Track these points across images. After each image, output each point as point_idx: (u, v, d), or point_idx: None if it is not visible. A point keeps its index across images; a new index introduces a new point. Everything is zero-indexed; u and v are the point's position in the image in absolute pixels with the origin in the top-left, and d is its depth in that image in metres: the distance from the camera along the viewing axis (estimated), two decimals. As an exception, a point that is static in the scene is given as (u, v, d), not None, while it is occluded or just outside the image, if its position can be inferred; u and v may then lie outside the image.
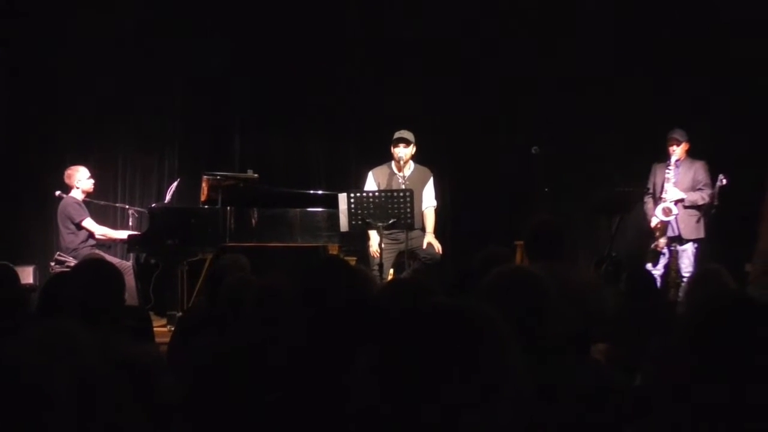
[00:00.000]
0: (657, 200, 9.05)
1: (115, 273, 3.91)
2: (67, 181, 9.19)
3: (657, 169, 9.22)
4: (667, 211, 8.89)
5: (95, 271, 3.86)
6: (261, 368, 2.96)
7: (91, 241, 9.07)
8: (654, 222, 9.01)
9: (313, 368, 2.90)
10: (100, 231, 9.15)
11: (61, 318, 2.76)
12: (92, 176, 9.26)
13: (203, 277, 8.68)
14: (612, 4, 10.49)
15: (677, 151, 9.04)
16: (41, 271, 9.26)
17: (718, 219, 9.01)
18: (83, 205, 9.13)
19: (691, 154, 9.14)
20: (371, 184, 8.48)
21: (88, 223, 9.06)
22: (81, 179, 9.17)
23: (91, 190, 9.28)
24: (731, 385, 1.77)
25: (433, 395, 1.46)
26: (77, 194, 9.15)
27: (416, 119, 9.23)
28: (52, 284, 4.51)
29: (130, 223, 9.57)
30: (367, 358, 1.53)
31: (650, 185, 9.25)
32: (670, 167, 9.01)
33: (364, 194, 7.98)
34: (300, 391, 2.77)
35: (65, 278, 4.34)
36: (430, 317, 1.53)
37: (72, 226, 8.99)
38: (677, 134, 9.08)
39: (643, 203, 9.26)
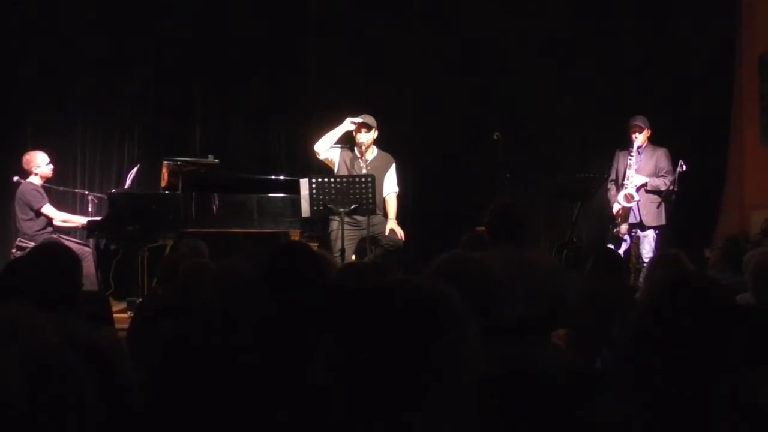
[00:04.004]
0: (620, 187, 9.07)
1: (72, 257, 3.86)
2: (25, 166, 9.05)
3: (620, 156, 9.24)
4: (628, 198, 8.92)
5: (51, 255, 3.82)
6: (219, 352, 2.94)
7: (50, 228, 8.96)
8: (616, 208, 9.04)
9: (274, 350, 2.88)
10: (60, 217, 9.05)
11: (16, 302, 2.73)
12: (51, 161, 9.14)
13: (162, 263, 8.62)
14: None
15: (639, 138, 9.06)
16: (1, 257, 9.13)
17: (678, 205, 9.08)
18: (42, 191, 9.00)
19: (653, 140, 9.18)
20: (335, 154, 8.45)
21: (48, 209, 8.94)
22: (40, 164, 9.03)
23: (51, 175, 9.16)
24: (688, 360, 1.77)
25: (392, 370, 1.45)
26: (36, 180, 9.02)
27: (378, 105, 9.17)
28: (9, 269, 4.46)
29: (90, 209, 9.44)
30: (325, 337, 1.52)
31: (613, 172, 9.28)
32: (632, 154, 9.03)
33: (326, 180, 7.98)
34: (260, 373, 2.76)
35: (22, 263, 4.29)
36: (387, 293, 1.52)
37: (31, 213, 8.87)
38: (639, 121, 9.11)
39: (606, 190, 9.29)
